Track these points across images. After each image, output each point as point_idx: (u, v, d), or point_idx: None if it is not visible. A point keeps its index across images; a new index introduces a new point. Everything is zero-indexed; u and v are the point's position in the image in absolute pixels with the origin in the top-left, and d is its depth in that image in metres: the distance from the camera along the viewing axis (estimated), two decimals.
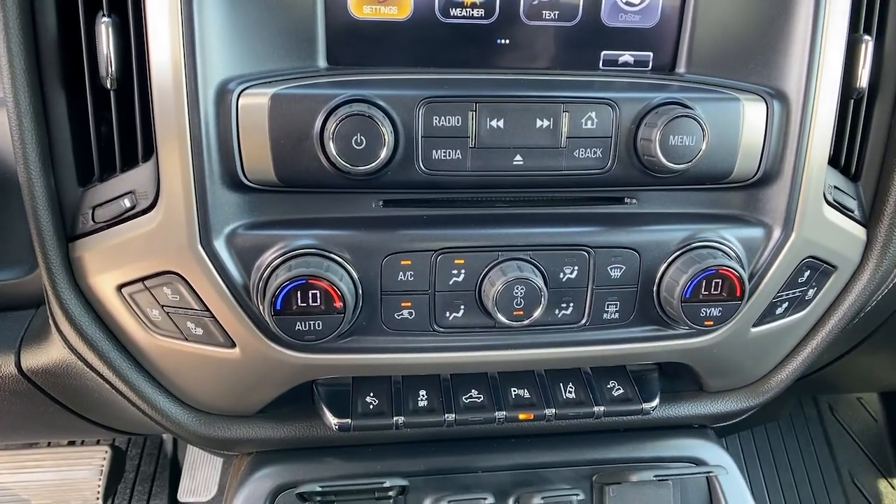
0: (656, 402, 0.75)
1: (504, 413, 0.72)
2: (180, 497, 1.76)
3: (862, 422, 2.18)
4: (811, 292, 0.75)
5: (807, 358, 0.81)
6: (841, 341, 0.86)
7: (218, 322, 0.64)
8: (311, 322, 0.61)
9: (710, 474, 0.69)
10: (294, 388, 0.73)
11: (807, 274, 0.73)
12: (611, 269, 0.66)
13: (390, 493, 0.73)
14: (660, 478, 0.68)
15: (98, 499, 1.63)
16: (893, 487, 2.07)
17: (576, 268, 0.66)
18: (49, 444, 1.81)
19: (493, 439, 0.79)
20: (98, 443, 1.78)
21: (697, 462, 0.81)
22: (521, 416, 0.72)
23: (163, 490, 1.86)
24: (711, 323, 0.66)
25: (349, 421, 0.70)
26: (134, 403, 0.73)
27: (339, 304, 0.60)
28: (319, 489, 0.63)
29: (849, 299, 0.78)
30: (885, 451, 2.13)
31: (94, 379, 0.73)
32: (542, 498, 0.69)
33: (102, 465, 1.66)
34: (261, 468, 0.75)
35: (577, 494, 0.69)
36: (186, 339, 0.67)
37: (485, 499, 0.68)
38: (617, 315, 0.68)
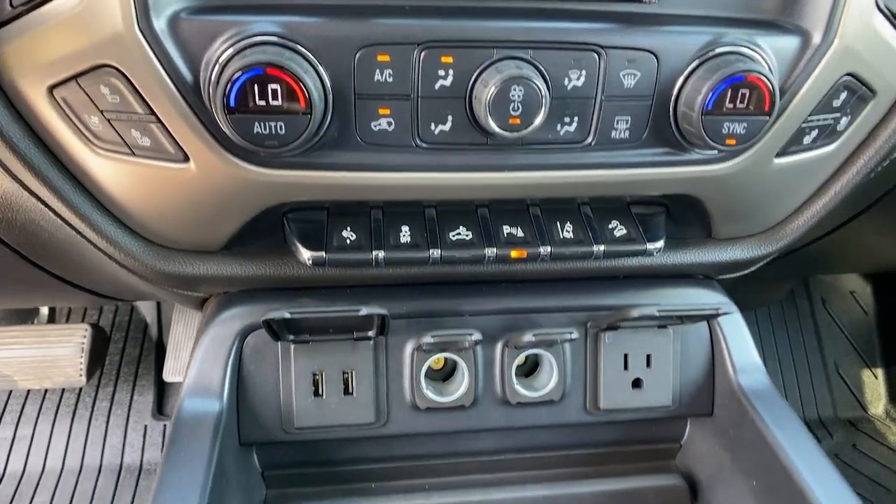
0: (661, 243, 0.68)
1: (494, 250, 0.65)
2: (166, 377, 1.75)
3: (852, 314, 2.18)
4: (844, 121, 0.66)
5: (828, 203, 0.73)
6: (856, 198, 0.78)
7: (165, 128, 0.55)
8: (272, 124, 0.52)
9: (719, 311, 0.64)
10: (262, 223, 0.65)
11: (843, 97, 0.64)
12: (623, 75, 0.57)
13: (370, 334, 0.67)
14: (662, 313, 0.63)
15: (81, 375, 1.61)
16: (876, 377, 2.10)
17: (583, 72, 0.56)
18: (32, 322, 1.78)
19: (482, 284, 0.73)
20: (83, 318, 1.75)
21: None
22: (514, 254, 0.66)
23: (148, 371, 1.85)
24: (734, 142, 0.58)
25: (323, 254, 0.63)
26: (84, 235, 0.65)
27: (303, 103, 0.51)
28: (288, 316, 0.57)
29: (882, 136, 0.69)
30: (872, 343, 2.14)
31: (39, 211, 0.65)
32: (534, 335, 0.64)
33: (83, 343, 1.63)
34: (229, 308, 0.69)
35: (570, 332, 0.64)
36: (133, 154, 0.58)
37: (471, 334, 0.63)
38: (627, 134, 0.60)
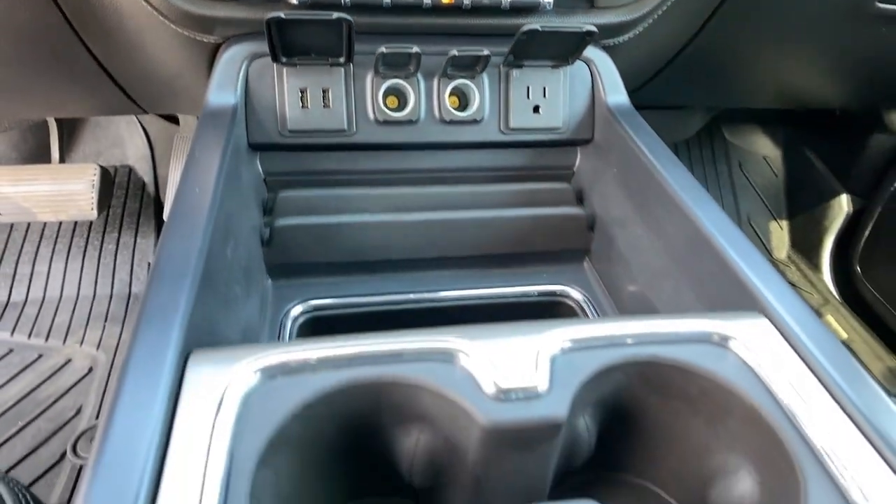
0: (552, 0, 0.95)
1: None
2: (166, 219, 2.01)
3: (764, 176, 2.51)
4: None
5: None
6: None
7: None
8: None
9: (588, 30, 0.90)
10: None
11: None
12: None
13: (341, 60, 0.93)
14: (543, 29, 0.89)
15: (93, 209, 1.85)
16: (781, 228, 2.44)
17: None
18: (48, 162, 2.00)
19: (424, 35, 0.99)
20: (90, 164, 1.98)
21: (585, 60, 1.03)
22: (445, 1, 0.92)
23: (149, 220, 2.10)
24: None
25: None
26: None
27: None
28: (283, 16, 0.82)
29: None
30: (780, 200, 2.48)
31: None
32: (458, 50, 0.90)
33: (93, 180, 1.87)
34: (239, 42, 0.94)
35: (481, 50, 0.91)
36: None
37: (412, 47, 0.89)
38: None
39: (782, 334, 0.57)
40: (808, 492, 0.45)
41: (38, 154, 2.09)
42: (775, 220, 2.45)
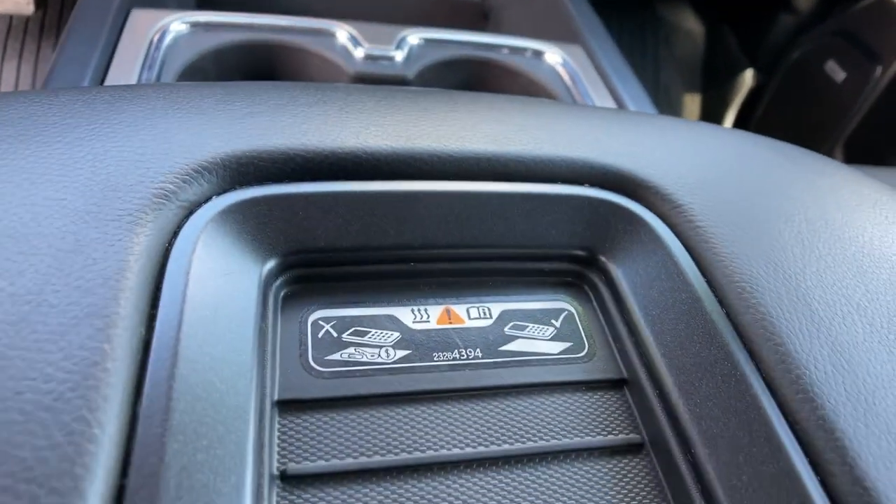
0: None
1: None
2: None
3: (686, 51, 2.68)
4: None
5: None
6: None
7: None
8: None
9: None
10: None
11: None
12: None
13: None
14: None
15: (29, 3, 1.86)
16: (693, 101, 2.66)
17: None
18: None
19: None
20: None
21: None
22: None
23: None
24: None
25: None
26: None
27: None
28: None
29: None
30: (697, 74, 2.69)
31: None
32: None
33: None
34: None
35: None
36: None
37: None
38: None
39: (585, 52, 0.76)
40: None
41: None
42: (689, 92, 2.66)
